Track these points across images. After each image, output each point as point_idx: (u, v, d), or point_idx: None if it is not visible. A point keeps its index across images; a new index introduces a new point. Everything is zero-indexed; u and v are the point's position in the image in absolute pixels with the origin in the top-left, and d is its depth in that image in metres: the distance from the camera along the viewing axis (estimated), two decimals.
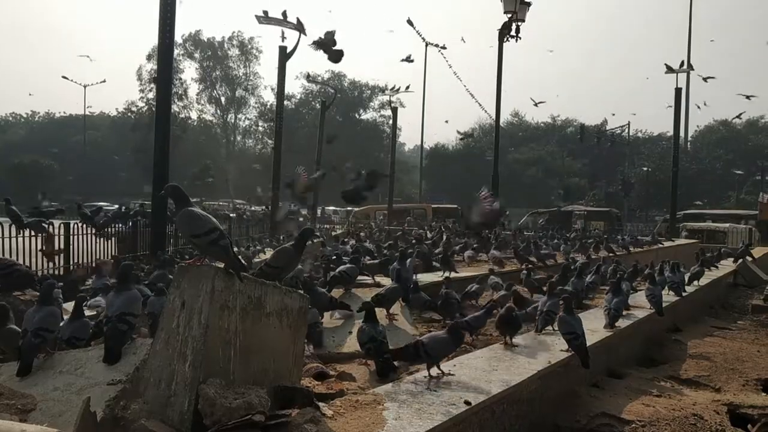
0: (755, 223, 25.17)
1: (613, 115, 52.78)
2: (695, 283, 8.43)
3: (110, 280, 5.80)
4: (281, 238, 13.30)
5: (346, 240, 11.99)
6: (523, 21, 19.05)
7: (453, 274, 8.07)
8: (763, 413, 4.30)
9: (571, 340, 4.30)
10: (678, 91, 23.95)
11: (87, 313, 4.23)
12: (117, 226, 10.86)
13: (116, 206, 13.04)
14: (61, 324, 3.79)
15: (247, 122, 73.86)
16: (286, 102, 26.33)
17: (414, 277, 6.83)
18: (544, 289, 6.31)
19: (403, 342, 5.33)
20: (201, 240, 2.97)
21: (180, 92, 62.07)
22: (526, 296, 6.62)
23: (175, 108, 53.69)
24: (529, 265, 9.14)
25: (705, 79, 20.79)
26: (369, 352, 4.32)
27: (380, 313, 5.59)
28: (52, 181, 57.71)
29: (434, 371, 3.67)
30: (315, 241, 10.95)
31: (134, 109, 63.70)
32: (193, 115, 68.93)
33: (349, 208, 37.11)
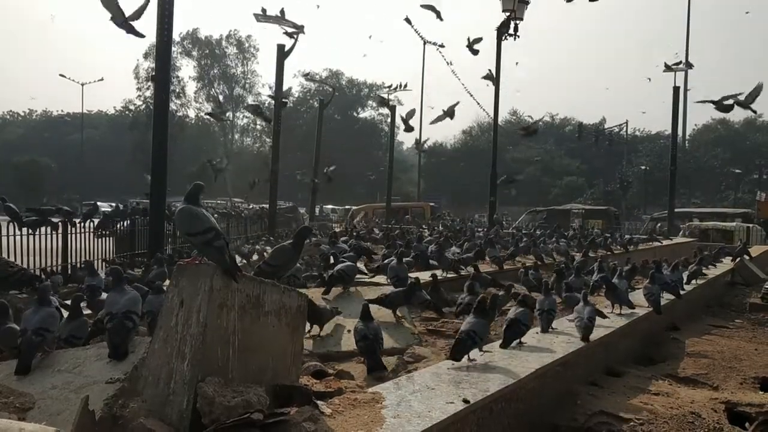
0: (755, 220, 25.17)
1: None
2: (693, 281, 8.44)
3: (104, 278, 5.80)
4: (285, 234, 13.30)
5: (344, 239, 11.97)
6: (522, 20, 19.03)
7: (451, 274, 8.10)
8: (760, 411, 4.31)
9: (578, 325, 4.78)
10: (676, 89, 23.97)
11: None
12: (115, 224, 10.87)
13: (113, 205, 13.07)
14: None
15: (245, 120, 73.87)
16: (284, 100, 26.24)
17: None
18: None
19: (403, 341, 5.36)
20: (196, 239, 2.97)
21: (178, 90, 62.04)
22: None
23: (173, 106, 53.65)
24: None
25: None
26: (361, 349, 4.35)
27: (378, 311, 5.60)
28: (50, 180, 57.67)
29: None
30: (313, 240, 10.96)
31: (132, 107, 63.65)
32: (191, 114, 68.93)
33: (347, 207, 37.15)
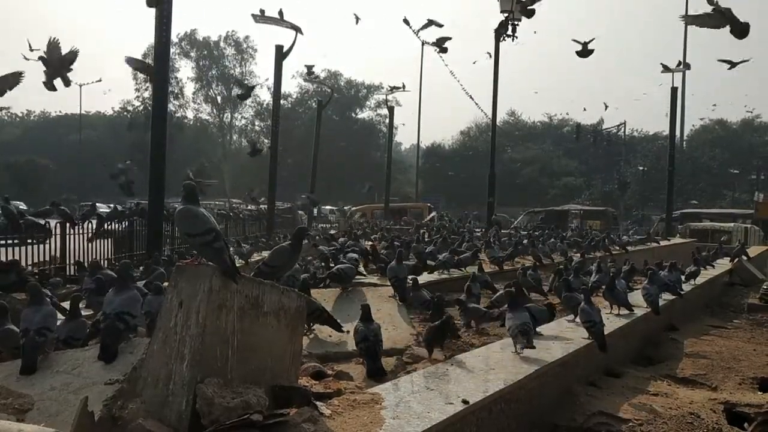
0: (751, 221, 25.23)
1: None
2: (691, 282, 8.45)
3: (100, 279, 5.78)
4: (279, 237, 13.30)
5: (343, 239, 11.96)
6: (520, 20, 19.07)
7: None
8: (759, 412, 4.31)
9: (589, 327, 4.73)
10: (674, 90, 24.02)
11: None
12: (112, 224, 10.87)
13: (110, 206, 13.10)
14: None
15: (243, 121, 73.77)
16: (282, 101, 26.29)
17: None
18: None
19: (401, 342, 5.35)
20: (195, 240, 2.97)
21: (176, 91, 61.93)
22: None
23: (171, 107, 53.59)
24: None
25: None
26: (362, 351, 4.34)
27: (377, 313, 5.59)
28: (49, 180, 57.55)
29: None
30: (309, 241, 10.96)
31: (130, 108, 63.51)
32: (190, 115, 68.80)
33: (345, 207, 37.12)
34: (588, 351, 4.72)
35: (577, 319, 5.27)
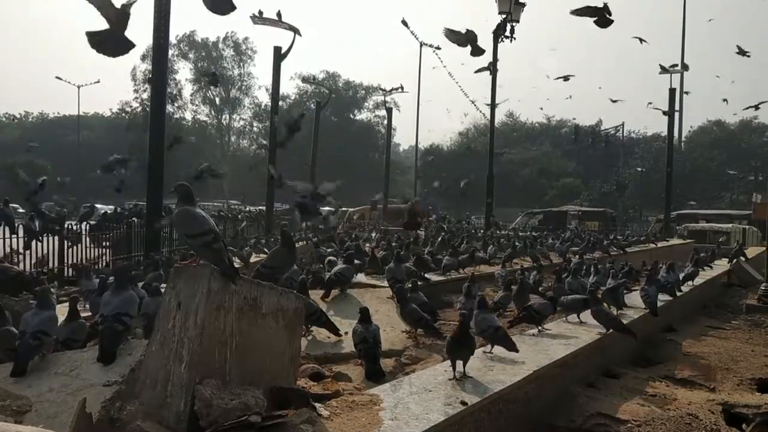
0: (747, 222, 25.27)
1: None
2: (689, 283, 8.46)
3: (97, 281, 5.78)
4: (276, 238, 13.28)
5: (344, 240, 11.96)
6: (518, 21, 19.09)
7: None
8: (757, 412, 4.31)
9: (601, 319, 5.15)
10: (672, 91, 24.06)
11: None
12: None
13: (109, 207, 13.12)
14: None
15: (241, 123, 73.80)
16: (280, 102, 26.25)
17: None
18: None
19: (400, 343, 5.35)
20: (195, 241, 2.97)
21: (174, 93, 61.92)
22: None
23: (169, 109, 53.50)
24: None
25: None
26: (361, 353, 4.34)
27: (375, 314, 5.59)
28: (47, 182, 57.46)
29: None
30: (309, 242, 10.98)
31: (128, 109, 63.48)
32: (188, 116, 68.80)
33: (344, 209, 37.12)
34: (587, 352, 4.73)
35: (575, 318, 5.30)
